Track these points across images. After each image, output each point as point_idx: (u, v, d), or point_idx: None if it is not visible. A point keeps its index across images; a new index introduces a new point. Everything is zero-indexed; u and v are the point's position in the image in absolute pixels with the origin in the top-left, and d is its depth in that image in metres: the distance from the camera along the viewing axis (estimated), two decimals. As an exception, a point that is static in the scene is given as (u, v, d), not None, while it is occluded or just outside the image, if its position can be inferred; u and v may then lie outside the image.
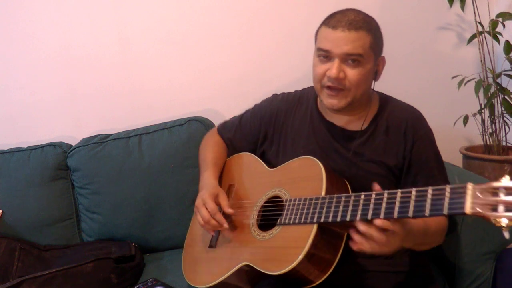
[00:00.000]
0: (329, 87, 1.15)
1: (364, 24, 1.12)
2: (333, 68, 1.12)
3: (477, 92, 1.76)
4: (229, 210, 1.24)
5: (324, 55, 1.14)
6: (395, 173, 1.20)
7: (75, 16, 1.86)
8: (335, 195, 1.05)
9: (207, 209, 1.24)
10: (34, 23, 1.86)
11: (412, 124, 1.21)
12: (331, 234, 1.07)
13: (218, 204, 1.25)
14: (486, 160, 1.77)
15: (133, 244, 1.64)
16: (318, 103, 1.29)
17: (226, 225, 1.23)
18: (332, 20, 1.13)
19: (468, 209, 0.81)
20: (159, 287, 1.43)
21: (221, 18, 1.90)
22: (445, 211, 0.85)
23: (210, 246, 1.32)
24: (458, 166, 1.63)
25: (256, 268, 1.13)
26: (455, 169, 1.53)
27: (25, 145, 1.84)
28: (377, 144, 1.21)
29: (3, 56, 1.88)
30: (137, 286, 1.44)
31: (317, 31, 1.19)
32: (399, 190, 0.92)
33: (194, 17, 1.89)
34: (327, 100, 1.17)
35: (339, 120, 1.25)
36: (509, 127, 1.85)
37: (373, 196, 0.96)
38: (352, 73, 1.12)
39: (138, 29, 1.89)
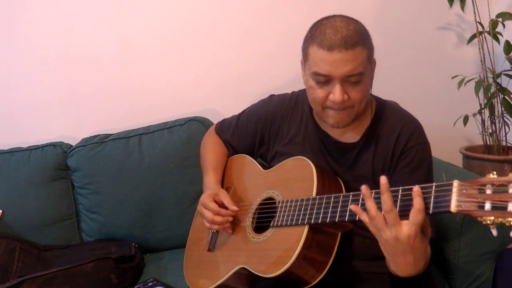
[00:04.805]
0: (332, 108, 1.10)
1: (358, 36, 1.04)
2: (336, 94, 1.05)
3: (477, 92, 1.76)
4: (233, 207, 1.23)
5: (324, 80, 1.07)
6: None
7: (75, 16, 1.86)
8: (325, 196, 1.04)
9: (208, 210, 1.24)
10: (34, 23, 1.86)
11: (405, 135, 1.14)
12: (324, 234, 1.07)
13: (220, 203, 1.25)
14: (486, 160, 1.77)
15: (133, 244, 1.64)
16: (314, 112, 1.24)
17: (233, 213, 1.23)
18: (325, 39, 1.03)
19: (453, 207, 0.80)
20: (159, 287, 1.43)
21: (221, 18, 1.90)
22: (431, 210, 0.84)
23: (209, 250, 1.32)
24: (458, 166, 1.63)
25: (251, 271, 1.13)
26: (455, 169, 1.53)
27: (25, 145, 1.84)
28: (367, 157, 1.17)
29: (3, 56, 1.88)
30: (137, 286, 1.44)
31: (307, 49, 1.09)
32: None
33: (194, 17, 1.89)
34: (331, 120, 1.12)
35: (334, 131, 1.20)
36: (509, 127, 1.85)
37: (362, 196, 0.95)
38: (354, 93, 1.07)
39: (138, 29, 1.89)
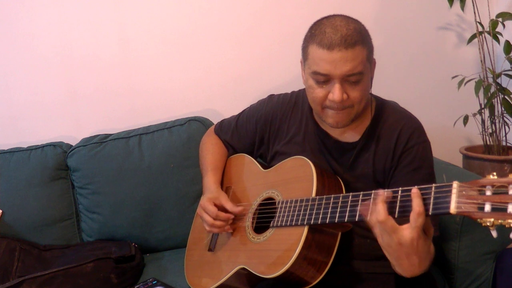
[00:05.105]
0: (331, 108, 1.10)
1: (358, 36, 1.04)
2: (335, 93, 1.05)
3: (477, 92, 1.76)
4: (236, 209, 1.23)
5: (324, 79, 1.07)
6: (384, 188, 1.15)
7: (75, 16, 1.86)
8: (324, 197, 1.04)
9: (208, 213, 1.24)
10: (34, 23, 1.86)
11: (405, 135, 1.14)
12: (324, 234, 1.07)
13: (220, 207, 1.25)
14: (486, 160, 1.77)
15: (133, 244, 1.64)
16: (314, 112, 1.23)
17: (232, 216, 1.24)
18: (325, 38, 1.03)
19: (453, 208, 0.79)
20: (159, 287, 1.43)
21: (221, 18, 1.90)
22: (430, 211, 0.84)
23: (209, 250, 1.32)
24: (458, 166, 1.63)
25: (251, 271, 1.13)
26: (455, 169, 1.53)
27: (25, 145, 1.84)
28: (368, 156, 1.17)
29: (3, 56, 1.88)
30: (137, 286, 1.44)
31: (307, 49, 1.10)
32: (386, 191, 0.91)
33: (194, 18, 1.89)
34: (331, 119, 1.11)
35: (334, 131, 1.20)
36: (509, 127, 1.85)
37: (361, 197, 0.96)
38: (354, 92, 1.07)
39: (138, 29, 1.89)
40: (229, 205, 1.24)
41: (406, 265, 0.92)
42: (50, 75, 1.90)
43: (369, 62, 1.09)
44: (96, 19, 1.87)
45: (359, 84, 1.07)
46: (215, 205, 1.25)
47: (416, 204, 0.84)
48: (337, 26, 1.04)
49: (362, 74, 1.06)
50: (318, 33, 1.06)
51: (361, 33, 1.06)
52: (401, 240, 0.87)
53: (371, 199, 0.93)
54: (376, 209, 0.88)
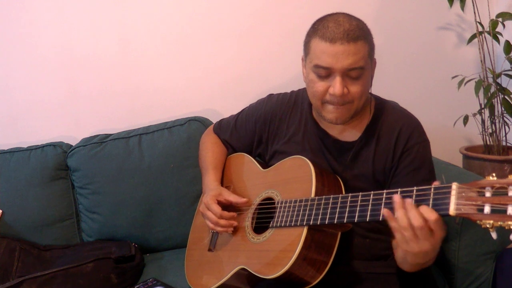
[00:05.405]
0: (331, 102, 1.10)
1: (360, 32, 1.05)
2: (336, 86, 1.05)
3: (477, 92, 1.76)
4: (240, 200, 1.24)
5: (325, 73, 1.07)
6: (384, 188, 1.13)
7: (75, 16, 1.86)
8: (324, 197, 1.04)
9: (212, 212, 1.24)
10: (34, 23, 1.86)
11: (405, 134, 1.14)
12: (323, 235, 1.07)
13: (225, 202, 1.25)
14: (486, 160, 1.77)
15: (133, 244, 1.64)
16: (313, 110, 1.24)
17: (236, 215, 1.24)
18: (327, 32, 1.04)
19: (452, 210, 0.79)
20: (159, 287, 1.43)
21: (221, 18, 1.90)
22: None
23: (209, 250, 1.32)
24: (458, 166, 1.63)
25: (251, 272, 1.13)
26: (455, 169, 1.53)
27: (25, 145, 1.84)
28: (367, 155, 1.17)
29: (4, 56, 1.88)
30: (137, 286, 1.44)
31: (309, 43, 1.11)
32: (385, 191, 0.92)
33: (194, 17, 1.89)
34: (330, 115, 1.12)
35: (333, 130, 1.21)
36: (509, 127, 1.85)
37: (360, 197, 0.96)
38: (355, 87, 1.07)
39: (138, 29, 1.89)
40: (232, 197, 1.25)
41: (430, 256, 0.93)
42: (50, 75, 1.90)
43: (370, 59, 1.10)
44: (96, 19, 1.87)
45: (360, 79, 1.07)
46: (219, 201, 1.25)
47: (430, 214, 0.83)
48: (340, 21, 1.06)
49: (363, 69, 1.07)
50: (321, 27, 1.07)
51: (363, 29, 1.07)
52: (434, 244, 0.87)
53: (395, 203, 0.89)
54: (411, 215, 0.85)
